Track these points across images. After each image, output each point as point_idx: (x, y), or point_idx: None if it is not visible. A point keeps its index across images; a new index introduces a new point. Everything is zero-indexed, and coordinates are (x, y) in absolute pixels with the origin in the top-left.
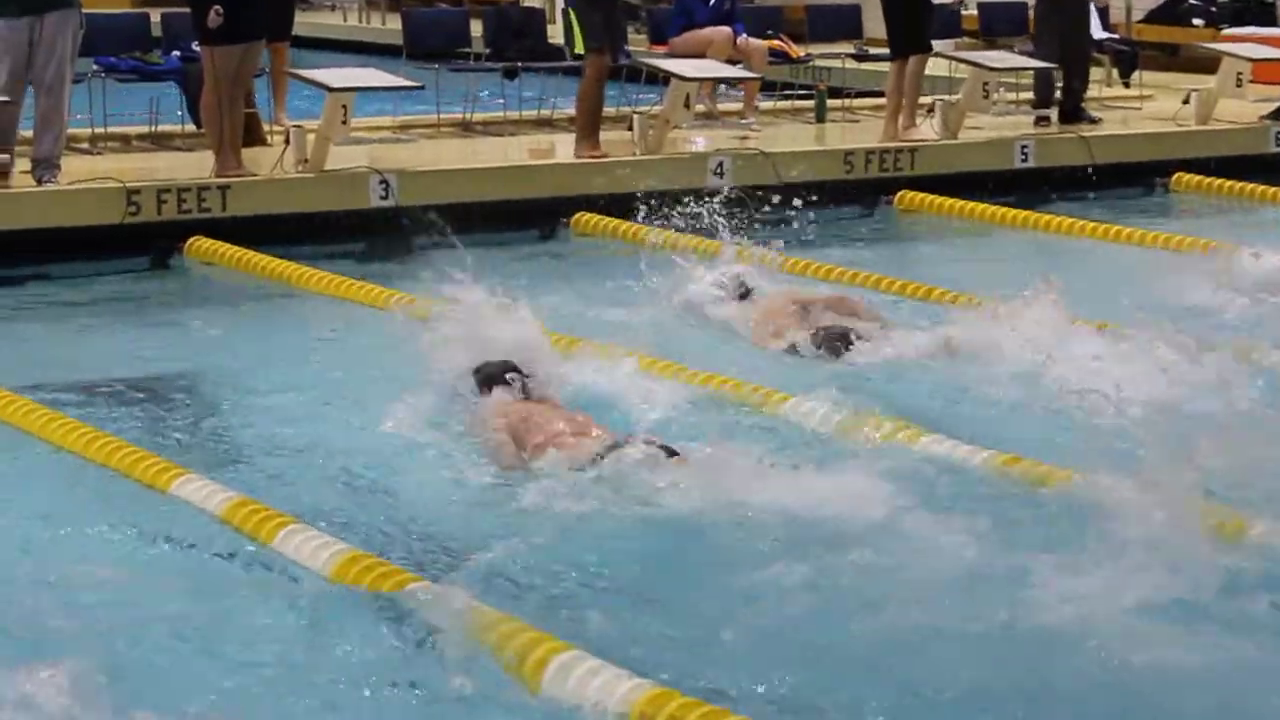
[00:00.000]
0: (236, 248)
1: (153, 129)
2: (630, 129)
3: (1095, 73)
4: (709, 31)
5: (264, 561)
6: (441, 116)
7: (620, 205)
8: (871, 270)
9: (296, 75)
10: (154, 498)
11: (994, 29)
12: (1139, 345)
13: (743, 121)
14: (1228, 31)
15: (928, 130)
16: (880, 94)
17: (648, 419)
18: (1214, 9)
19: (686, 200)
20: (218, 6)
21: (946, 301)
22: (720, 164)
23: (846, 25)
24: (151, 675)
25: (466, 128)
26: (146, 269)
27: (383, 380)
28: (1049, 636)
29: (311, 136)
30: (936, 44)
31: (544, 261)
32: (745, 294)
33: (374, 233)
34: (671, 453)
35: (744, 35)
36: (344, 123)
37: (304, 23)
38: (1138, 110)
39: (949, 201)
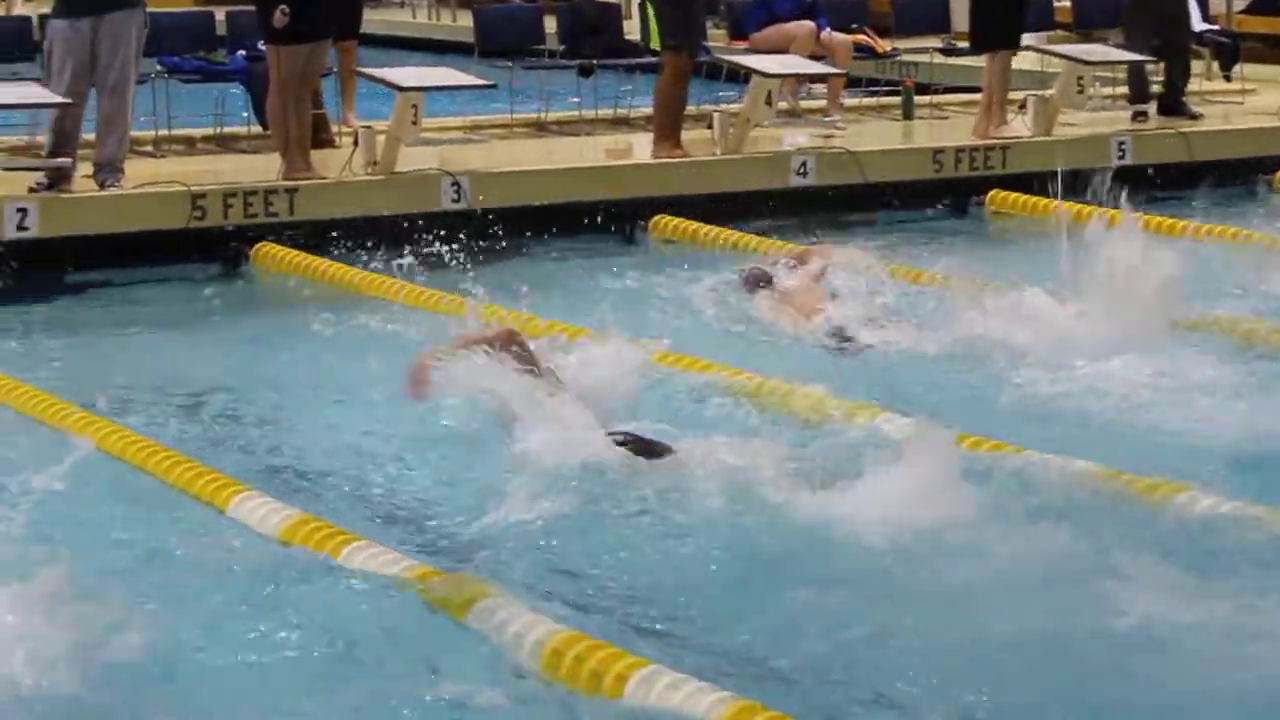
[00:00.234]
0: (304, 253)
1: (218, 131)
2: (710, 128)
3: (1195, 66)
4: (791, 26)
5: (329, 579)
6: (515, 116)
7: (701, 207)
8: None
9: (365, 74)
10: (213, 514)
11: (1088, 21)
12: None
13: (827, 119)
14: None
15: (1020, 127)
16: (969, 89)
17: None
18: None
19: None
20: (284, 6)
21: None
22: (803, 163)
23: (934, 18)
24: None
25: (541, 127)
26: (212, 276)
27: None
28: (1129, 655)
29: (381, 138)
30: (1028, 37)
31: (621, 263)
32: (763, 284)
33: (446, 237)
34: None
35: (828, 29)
36: (414, 123)
37: (372, 20)
38: (1239, 105)
39: (1043, 201)
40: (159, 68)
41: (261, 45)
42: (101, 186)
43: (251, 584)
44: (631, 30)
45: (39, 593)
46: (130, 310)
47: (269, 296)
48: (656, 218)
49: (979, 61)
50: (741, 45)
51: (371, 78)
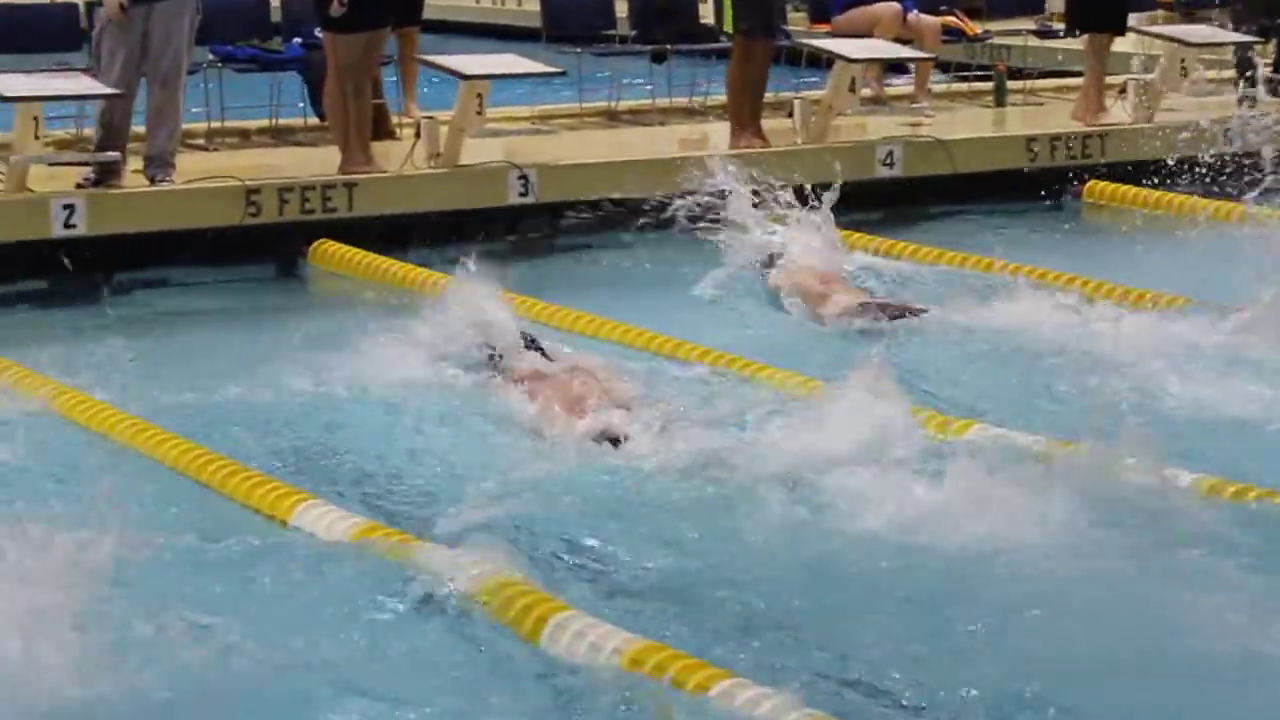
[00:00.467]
0: (364, 251)
1: (273, 122)
2: (791, 116)
3: None
4: (876, 8)
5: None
6: (584, 105)
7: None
8: (1058, 269)
9: (427, 62)
10: (273, 525)
11: (1192, 0)
12: None
13: (914, 106)
14: None
15: (1119, 113)
16: (1065, 74)
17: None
18: None
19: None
20: None
21: (1145, 305)
22: (890, 153)
23: None
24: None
25: (611, 117)
26: (268, 276)
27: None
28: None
29: (444, 129)
30: (1131, 17)
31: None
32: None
33: (514, 232)
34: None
35: (914, 11)
36: (479, 113)
37: (434, 5)
38: None
39: (1143, 192)
40: (211, 56)
41: (318, 32)
42: (152, 182)
43: (318, 592)
44: (707, 14)
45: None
46: (182, 312)
47: (327, 298)
48: None
49: (1076, 44)
50: (823, 28)
51: (434, 65)
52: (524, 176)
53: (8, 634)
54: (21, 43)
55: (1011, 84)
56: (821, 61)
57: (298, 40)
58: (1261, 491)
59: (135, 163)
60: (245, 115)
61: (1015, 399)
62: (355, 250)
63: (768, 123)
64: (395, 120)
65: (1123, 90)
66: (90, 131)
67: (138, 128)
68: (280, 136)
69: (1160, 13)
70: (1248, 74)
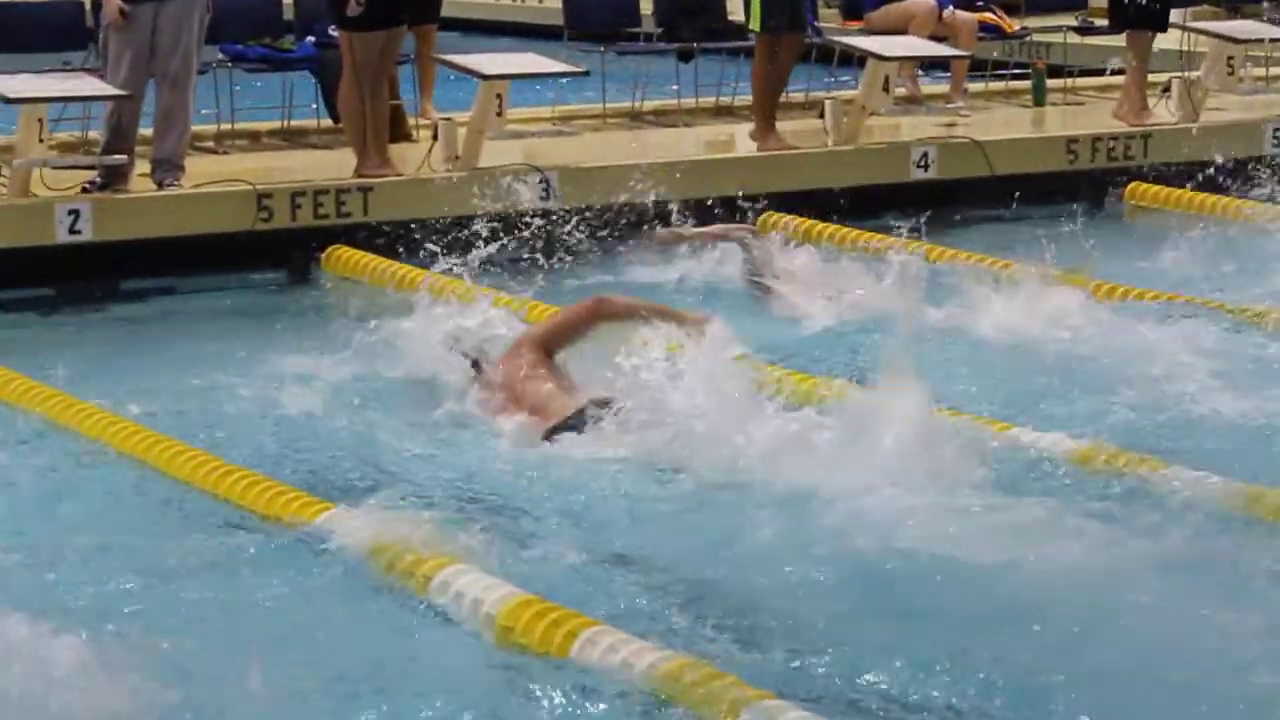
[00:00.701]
0: (380, 258)
1: (285, 124)
2: (822, 116)
3: None
4: (910, 4)
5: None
6: (608, 106)
7: (813, 203)
8: (1100, 276)
9: (445, 62)
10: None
11: None
12: None
13: (950, 106)
14: None
15: (1163, 113)
16: (1099, 72)
17: None
18: None
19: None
20: None
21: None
22: (925, 155)
23: None
24: None
25: (636, 118)
26: (280, 282)
27: None
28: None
29: (463, 130)
30: (1175, 13)
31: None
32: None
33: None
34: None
35: (950, 7)
36: (499, 114)
37: (452, 2)
38: None
39: (1188, 195)
40: (221, 56)
41: (333, 31)
42: (160, 186)
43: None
44: (735, 10)
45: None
46: (191, 320)
47: (341, 305)
48: (765, 215)
49: (1118, 41)
50: (856, 26)
51: (452, 65)
52: (545, 180)
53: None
54: (25, 42)
55: (1051, 82)
56: (853, 60)
57: (311, 39)
58: None
59: (143, 166)
60: (256, 117)
61: (1036, 401)
62: (370, 256)
63: (798, 124)
64: (412, 122)
65: (1166, 89)
66: (96, 134)
67: (145, 130)
68: (293, 139)
69: (1207, 7)
70: None
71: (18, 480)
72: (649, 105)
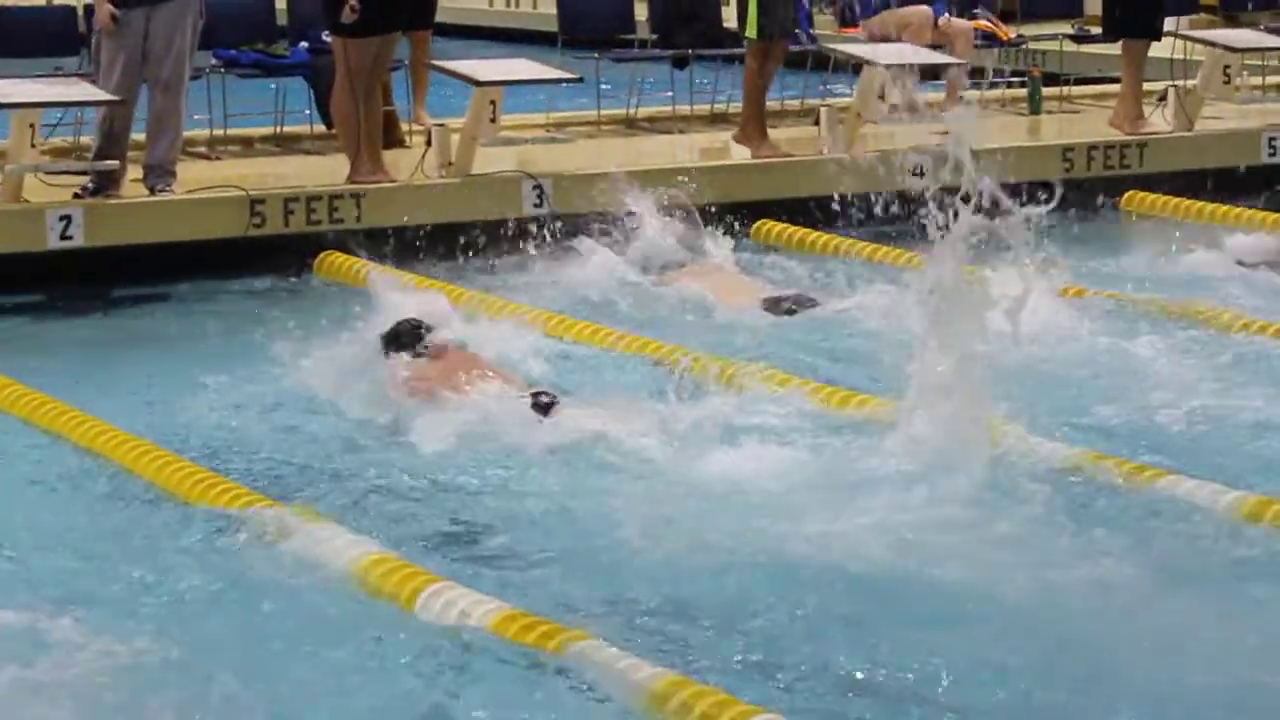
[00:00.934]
0: (373, 264)
1: (278, 130)
2: (817, 124)
3: None
4: (906, 11)
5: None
6: (602, 113)
7: (809, 211)
8: (1098, 284)
9: (439, 68)
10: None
11: (1236, 3)
12: None
13: (945, 114)
14: None
15: (1160, 121)
16: (1103, 80)
17: None
18: None
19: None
20: (353, 1)
21: (1194, 318)
22: (920, 164)
23: (1064, 2)
24: None
25: (630, 125)
26: (273, 289)
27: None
28: None
29: (456, 137)
30: (1169, 22)
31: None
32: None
33: (528, 245)
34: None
35: (946, 15)
36: (492, 121)
37: (446, 8)
38: None
39: (1185, 203)
40: (214, 61)
41: (326, 36)
42: (152, 191)
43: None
44: (730, 17)
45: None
46: (183, 326)
47: (334, 311)
48: (760, 223)
49: (1114, 49)
50: (852, 33)
51: (446, 71)
52: (539, 186)
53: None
54: (17, 47)
55: (1047, 91)
56: (848, 67)
57: (304, 45)
58: None
59: (135, 172)
60: (249, 123)
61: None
62: (363, 262)
63: (793, 131)
64: (405, 128)
65: (1162, 98)
66: (88, 139)
67: (137, 135)
68: (285, 144)
69: (1203, 16)
70: None
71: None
72: (644, 112)
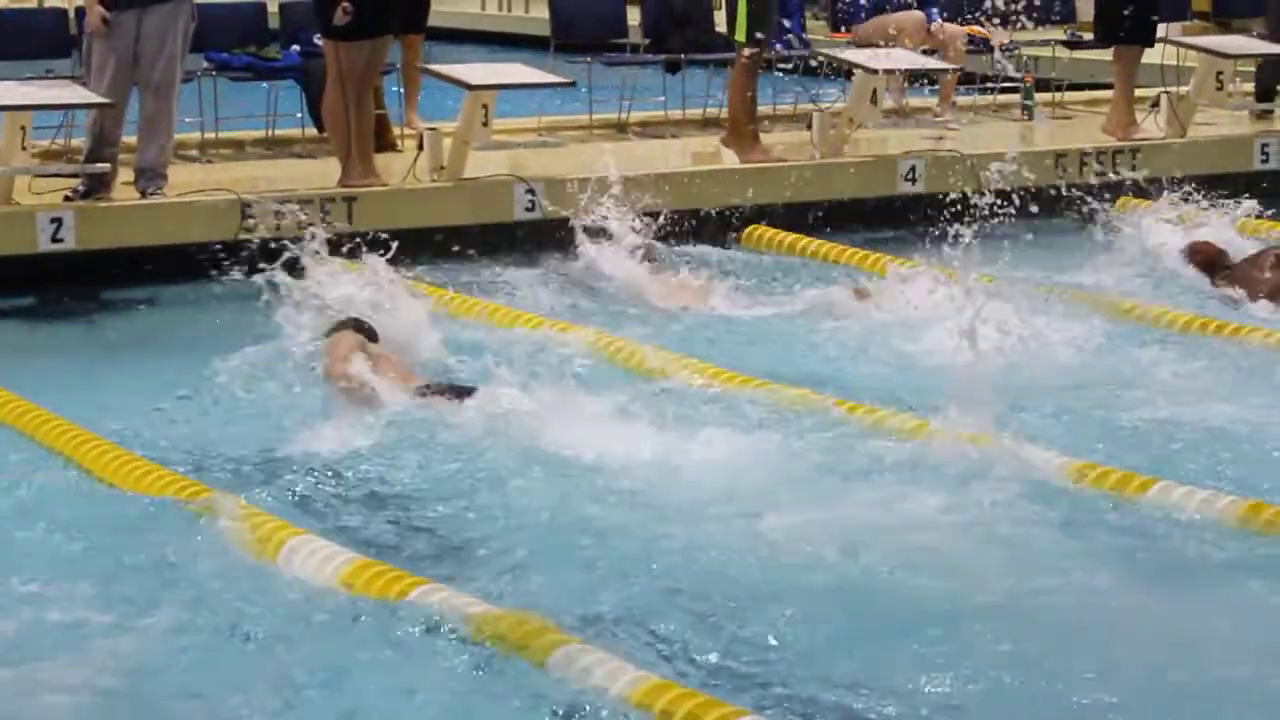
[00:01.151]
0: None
1: (270, 133)
2: (809, 129)
3: None
4: (898, 16)
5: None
6: (594, 117)
7: (800, 216)
8: (1094, 291)
9: (431, 72)
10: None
11: (1229, 10)
12: None
13: (938, 119)
14: None
15: (1152, 128)
16: (1097, 86)
17: None
18: None
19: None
20: (346, 4)
21: (1195, 330)
22: (912, 168)
23: (1057, 8)
24: None
25: (622, 129)
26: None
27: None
28: None
29: (448, 141)
30: (1161, 28)
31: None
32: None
33: (520, 248)
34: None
35: (939, 20)
36: (485, 124)
37: (439, 12)
38: None
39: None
40: (206, 64)
41: (318, 39)
42: (143, 194)
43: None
44: (723, 22)
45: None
46: (174, 331)
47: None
48: (751, 228)
49: (1107, 55)
50: (844, 38)
51: (438, 75)
52: (531, 190)
53: None
54: (8, 49)
55: (1040, 96)
56: (841, 72)
57: (296, 48)
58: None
59: (126, 174)
60: (241, 126)
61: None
62: (355, 265)
63: (787, 135)
64: (397, 131)
65: (1155, 104)
66: (80, 142)
67: (129, 138)
68: (277, 148)
69: (1197, 22)
70: (1267, 89)
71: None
72: (636, 117)
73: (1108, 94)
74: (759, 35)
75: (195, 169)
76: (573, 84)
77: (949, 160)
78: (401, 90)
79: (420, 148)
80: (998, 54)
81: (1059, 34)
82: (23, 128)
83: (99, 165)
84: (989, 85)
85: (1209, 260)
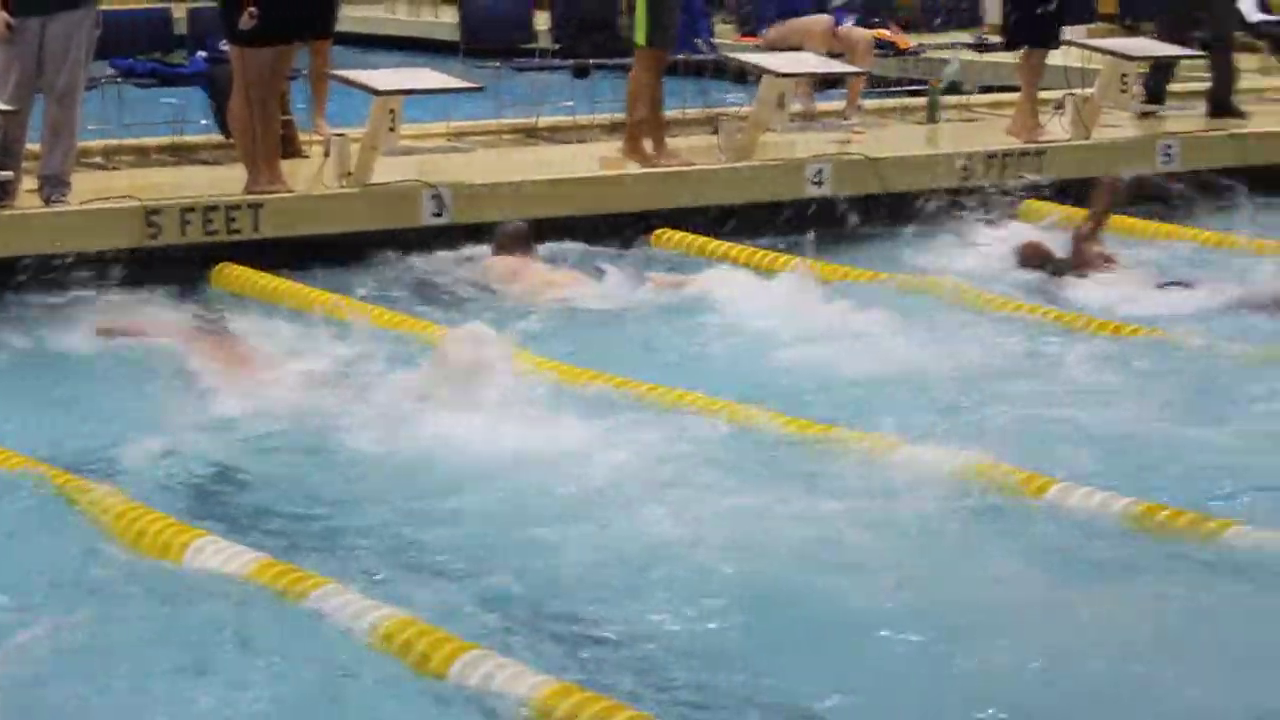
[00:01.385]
0: (270, 275)
1: (175, 140)
2: (716, 133)
3: (1250, 60)
4: (806, 20)
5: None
6: (503, 122)
7: (707, 219)
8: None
9: (339, 77)
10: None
11: (1134, 12)
12: None
13: (844, 122)
14: None
15: (1057, 129)
16: (1002, 89)
17: None
18: None
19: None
20: (252, 9)
21: (1109, 333)
22: (819, 171)
23: (964, 12)
24: None
25: (531, 134)
26: (169, 300)
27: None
28: None
29: (355, 146)
30: (1069, 30)
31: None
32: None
33: (426, 255)
34: None
35: (845, 23)
36: (392, 130)
37: (346, 17)
38: None
39: (1081, 211)
40: (110, 71)
41: (224, 45)
42: (47, 202)
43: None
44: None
45: None
46: (76, 339)
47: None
48: (658, 231)
49: (1012, 58)
50: (751, 42)
51: (345, 80)
52: (438, 196)
53: None
54: None
55: (947, 100)
56: (748, 77)
57: (202, 54)
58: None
59: (29, 182)
60: (146, 132)
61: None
62: (260, 274)
63: (693, 140)
64: (304, 138)
65: (1060, 106)
66: None
67: (32, 145)
68: (183, 155)
69: (1102, 24)
70: (1157, 88)
71: None
72: (545, 122)
73: (1013, 96)
74: (658, 39)
75: (100, 176)
76: (481, 89)
77: (855, 163)
78: (309, 96)
79: (327, 154)
80: (953, 65)
81: (966, 38)
82: None
83: (2, 173)
84: (896, 89)
85: (1038, 256)
